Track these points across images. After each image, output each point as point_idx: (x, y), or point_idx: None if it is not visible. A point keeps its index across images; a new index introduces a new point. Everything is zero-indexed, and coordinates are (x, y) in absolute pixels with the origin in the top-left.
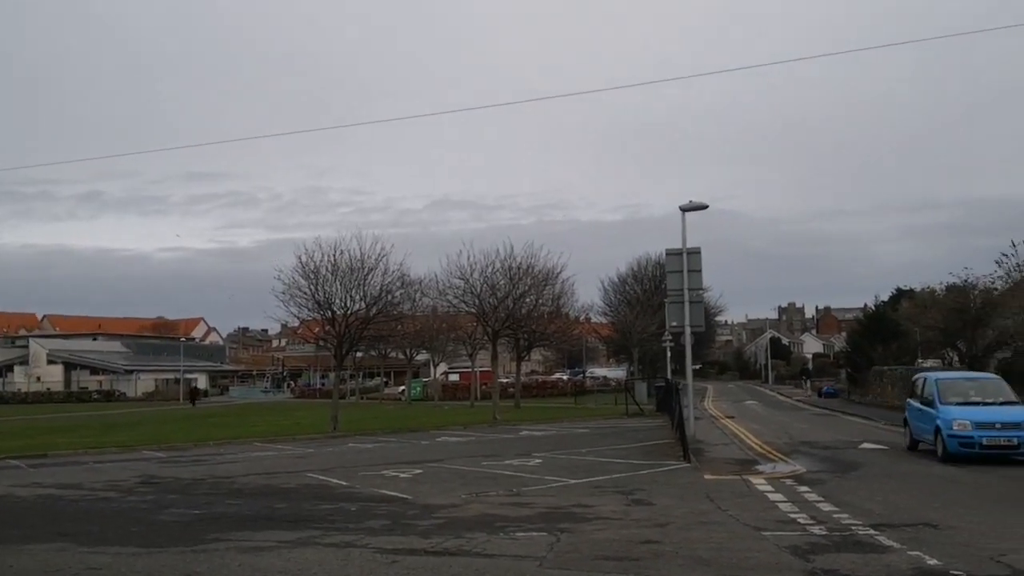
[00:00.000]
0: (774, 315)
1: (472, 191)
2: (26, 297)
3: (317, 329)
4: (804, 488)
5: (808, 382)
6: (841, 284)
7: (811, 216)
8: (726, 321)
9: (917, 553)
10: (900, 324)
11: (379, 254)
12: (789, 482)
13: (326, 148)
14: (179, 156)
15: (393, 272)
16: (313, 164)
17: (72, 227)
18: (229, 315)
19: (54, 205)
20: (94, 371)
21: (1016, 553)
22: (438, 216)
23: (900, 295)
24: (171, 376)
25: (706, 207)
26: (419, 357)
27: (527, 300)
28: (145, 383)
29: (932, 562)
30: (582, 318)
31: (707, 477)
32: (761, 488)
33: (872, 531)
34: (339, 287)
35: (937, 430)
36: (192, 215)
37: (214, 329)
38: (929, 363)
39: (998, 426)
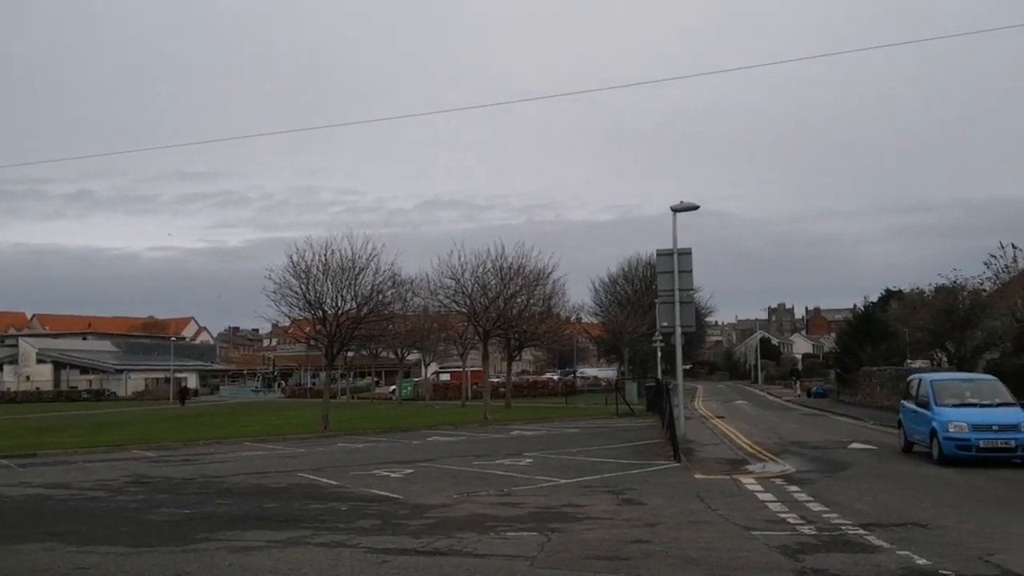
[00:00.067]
0: (764, 316)
1: (463, 191)
2: (15, 296)
3: (308, 329)
4: (794, 488)
5: (798, 382)
6: (831, 285)
7: (801, 217)
8: (716, 322)
9: (906, 553)
10: (889, 325)
11: (370, 254)
12: (779, 482)
13: (317, 148)
14: (169, 155)
15: (384, 272)
16: (304, 164)
17: (62, 226)
18: (220, 315)
19: (44, 204)
20: (84, 370)
21: (1005, 552)
22: (429, 216)
23: (889, 296)
24: (161, 376)
25: (697, 208)
26: (410, 357)
27: (518, 300)
28: (135, 383)
29: (921, 562)
30: (573, 318)
31: (697, 477)
32: (751, 488)
33: (861, 531)
34: (330, 287)
35: (933, 432)
36: (182, 214)
37: (204, 329)
38: (918, 364)
39: (995, 428)
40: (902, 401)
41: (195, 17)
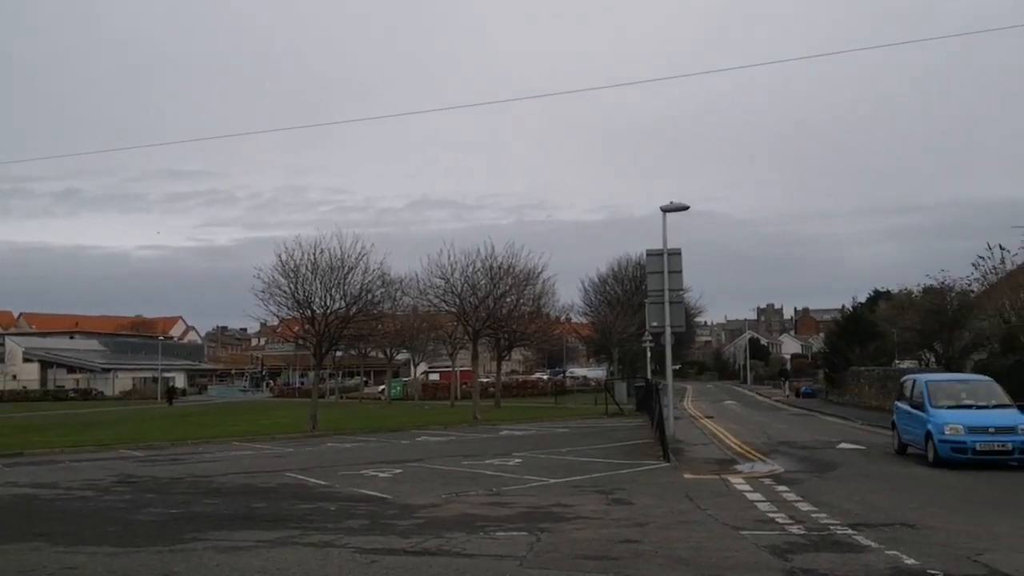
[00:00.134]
0: (753, 316)
1: (453, 190)
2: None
3: (296, 328)
4: (783, 488)
5: (786, 382)
6: (819, 285)
7: (790, 218)
8: (705, 322)
9: (895, 552)
10: (877, 325)
11: (359, 253)
12: (768, 482)
13: (306, 147)
14: (158, 154)
15: (373, 271)
16: (293, 163)
17: (49, 224)
18: (208, 314)
19: (31, 202)
20: (71, 369)
21: (992, 552)
22: (419, 215)
23: (877, 296)
24: (149, 375)
25: (687, 208)
26: (399, 356)
27: (508, 300)
28: (123, 382)
29: (910, 561)
30: (563, 318)
31: (686, 477)
32: (740, 488)
33: (850, 531)
34: (319, 286)
35: (928, 434)
36: (171, 213)
37: (193, 328)
38: (906, 364)
39: (992, 430)
40: (896, 402)
41: (184, 17)
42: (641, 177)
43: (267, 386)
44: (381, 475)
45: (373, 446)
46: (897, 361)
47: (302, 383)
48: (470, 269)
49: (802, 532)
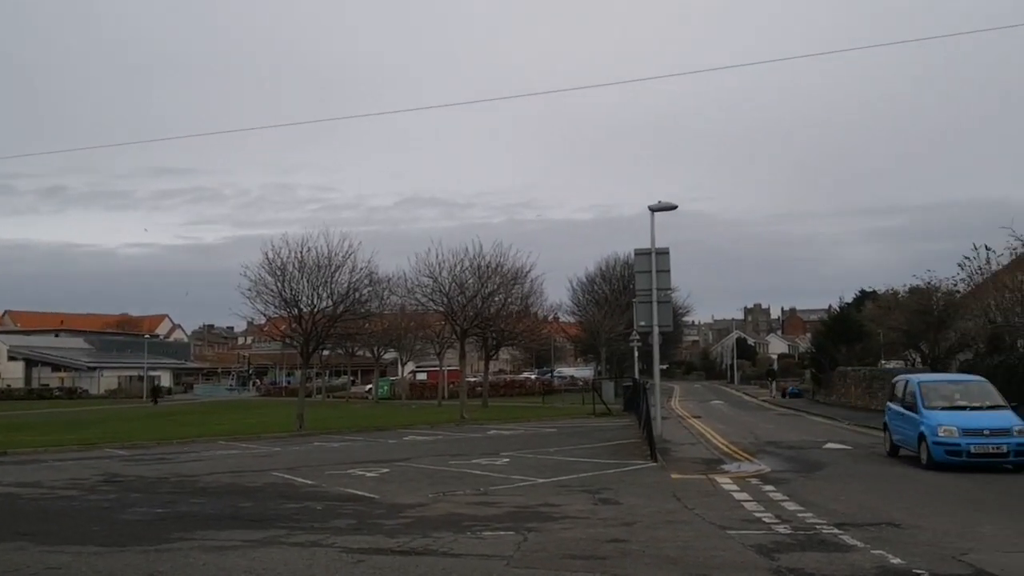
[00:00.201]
0: (740, 316)
1: (443, 189)
2: None
3: (284, 327)
4: (769, 487)
5: (773, 382)
6: (806, 286)
7: (777, 218)
8: (693, 321)
9: (880, 552)
10: (864, 325)
11: (347, 251)
12: (754, 481)
13: (295, 144)
14: (145, 151)
15: (361, 270)
16: (281, 160)
17: (35, 222)
18: (194, 312)
19: (16, 199)
20: (56, 368)
21: (977, 552)
22: (408, 214)
23: (864, 297)
24: (135, 373)
25: (675, 207)
26: (386, 356)
27: (496, 299)
28: (108, 380)
29: (895, 561)
30: (550, 317)
31: (674, 476)
32: (727, 487)
33: (836, 530)
34: (306, 284)
35: (921, 436)
36: (158, 211)
37: (179, 326)
38: (892, 364)
39: (987, 432)
40: (887, 403)
41: (173, 15)
42: (630, 177)
43: (254, 385)
44: (368, 474)
45: (360, 445)
46: (883, 361)
47: (289, 382)
48: (458, 268)
49: (788, 531)
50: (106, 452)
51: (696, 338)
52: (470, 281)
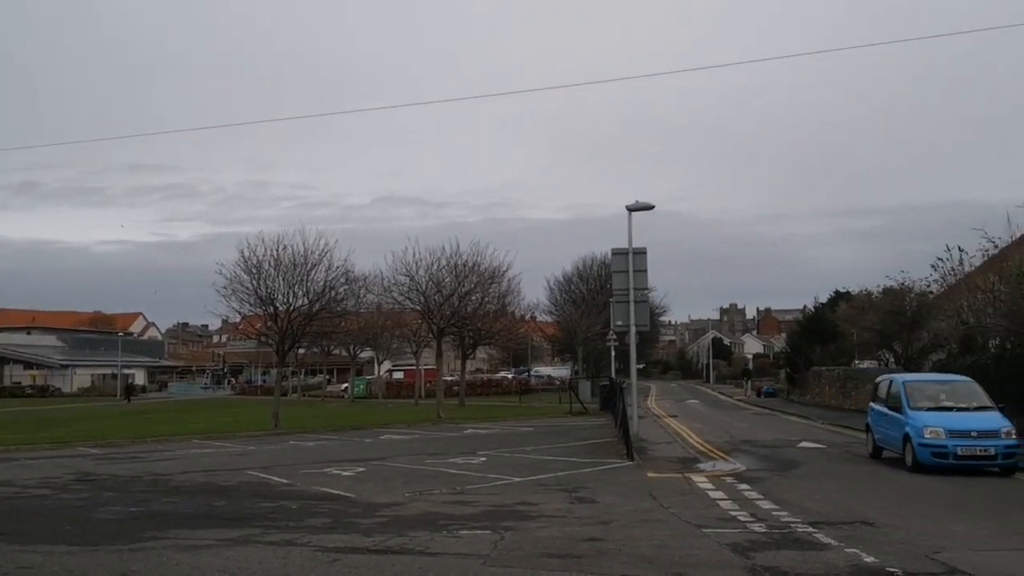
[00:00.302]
0: (716, 316)
1: (420, 187)
2: None
3: (259, 325)
4: (744, 486)
5: (749, 382)
6: (781, 286)
7: (753, 219)
8: (669, 321)
9: (854, 550)
10: (838, 326)
11: (323, 249)
12: (730, 480)
13: (270, 141)
14: (119, 147)
15: (337, 268)
16: (257, 157)
17: (5, 218)
18: (169, 310)
19: None
20: (27, 365)
21: (950, 551)
22: (385, 212)
23: (838, 297)
24: (108, 372)
25: (652, 207)
26: (363, 354)
27: (473, 298)
28: (81, 378)
29: (869, 559)
30: (528, 317)
31: (650, 475)
32: (703, 486)
33: (811, 528)
34: (282, 282)
35: (906, 438)
36: (132, 207)
37: (153, 324)
38: (866, 364)
39: (974, 434)
40: (870, 403)
41: (149, 10)
42: (608, 177)
43: (228, 384)
44: (344, 473)
45: (336, 444)
46: (857, 361)
47: (264, 381)
48: (435, 267)
49: (764, 530)
50: (79, 451)
51: (673, 338)
52: (447, 280)
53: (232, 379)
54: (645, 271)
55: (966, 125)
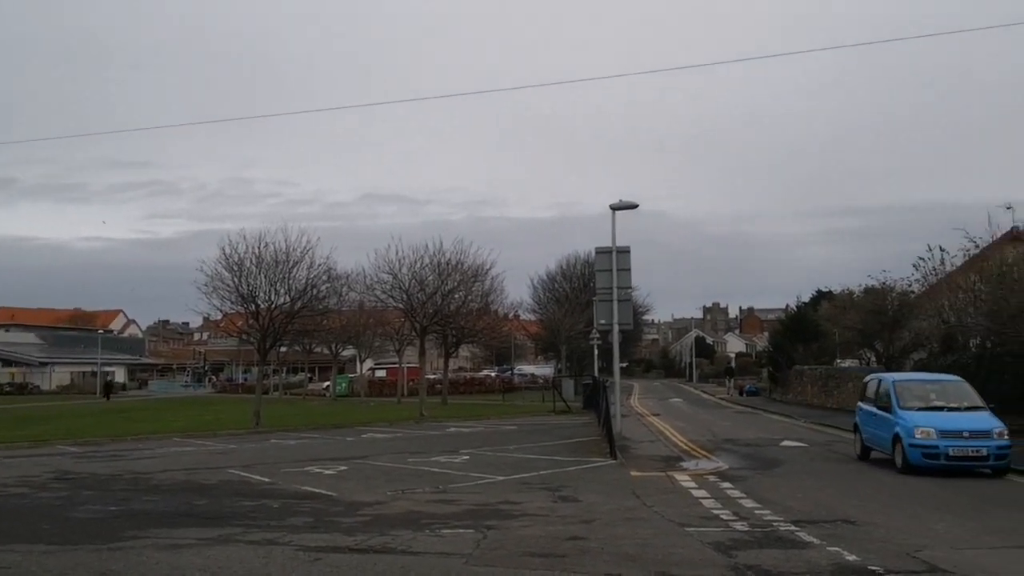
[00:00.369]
0: (699, 315)
1: (404, 185)
2: None
3: (240, 322)
4: (727, 485)
5: (731, 381)
6: (764, 285)
7: (736, 218)
8: (653, 320)
9: (836, 549)
10: (820, 325)
11: (305, 247)
12: (713, 479)
13: (253, 138)
14: (100, 143)
15: (319, 266)
16: (239, 154)
17: None
18: (149, 307)
19: None
20: (6, 363)
21: (931, 549)
22: (368, 210)
23: (820, 297)
24: (88, 369)
25: (636, 206)
26: (345, 352)
27: (456, 296)
28: (60, 376)
29: (851, 558)
30: (511, 315)
31: (633, 474)
32: (685, 485)
33: (793, 527)
34: (263, 280)
35: (896, 438)
36: (113, 204)
37: (133, 321)
38: (847, 363)
39: (966, 435)
40: (859, 403)
41: (129, 5)
42: (592, 175)
43: (209, 381)
44: (326, 472)
45: (318, 443)
46: (839, 360)
47: (245, 379)
48: (418, 265)
49: (746, 529)
50: (58, 449)
51: (656, 337)
52: (430, 278)
53: (213, 377)
54: (628, 270)
55: (947, 127)
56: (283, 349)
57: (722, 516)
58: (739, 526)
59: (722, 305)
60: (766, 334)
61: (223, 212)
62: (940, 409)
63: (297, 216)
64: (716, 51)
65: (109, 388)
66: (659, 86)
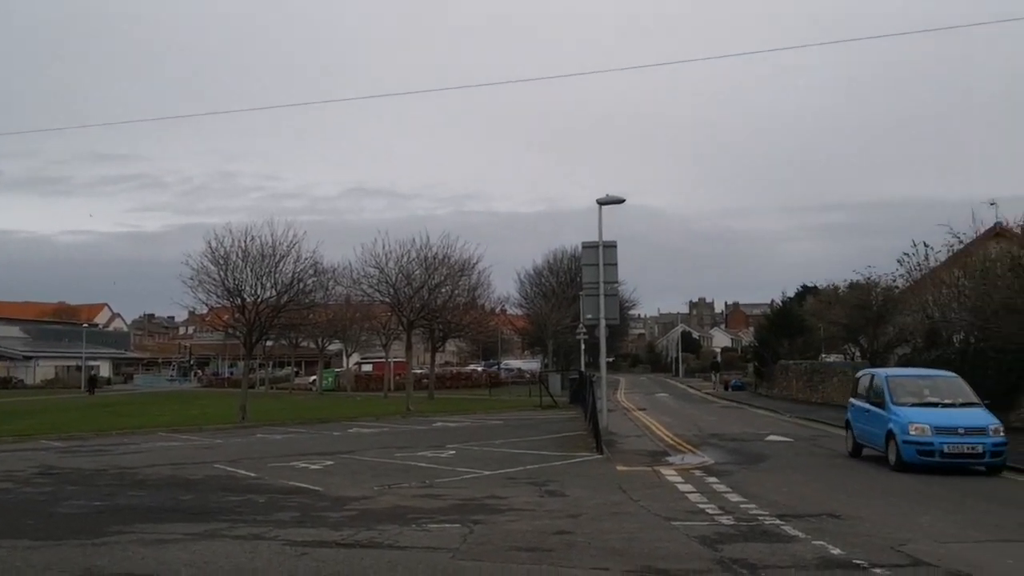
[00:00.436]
0: (685, 310)
1: (389, 179)
2: None
3: (226, 316)
4: (713, 479)
5: (717, 375)
6: (750, 280)
7: (722, 214)
8: (639, 315)
9: (821, 543)
10: (805, 320)
11: (291, 241)
12: (698, 473)
13: (238, 132)
14: (84, 136)
15: (305, 260)
16: (224, 148)
17: None
18: (135, 301)
19: None
20: None
21: (915, 543)
22: (354, 204)
23: (806, 292)
24: (73, 363)
25: (623, 201)
26: (331, 347)
27: (443, 291)
28: (45, 370)
29: (836, 551)
30: (498, 310)
31: (619, 468)
32: (671, 479)
33: (778, 521)
34: (249, 274)
35: (890, 435)
36: (97, 197)
37: (118, 315)
38: (832, 358)
39: (961, 431)
40: (850, 399)
41: None
42: (579, 170)
43: (195, 376)
44: (312, 467)
45: (304, 437)
46: (824, 355)
47: (231, 373)
48: (405, 259)
49: (732, 523)
50: (42, 444)
51: (642, 331)
52: (417, 272)
53: (199, 371)
54: (615, 265)
55: (931, 123)
56: (269, 343)
57: (708, 510)
58: (725, 520)
59: (708, 300)
60: (751, 329)
61: (208, 206)
62: (935, 405)
63: (282, 210)
64: (703, 48)
65: (93, 382)
66: (645, 82)
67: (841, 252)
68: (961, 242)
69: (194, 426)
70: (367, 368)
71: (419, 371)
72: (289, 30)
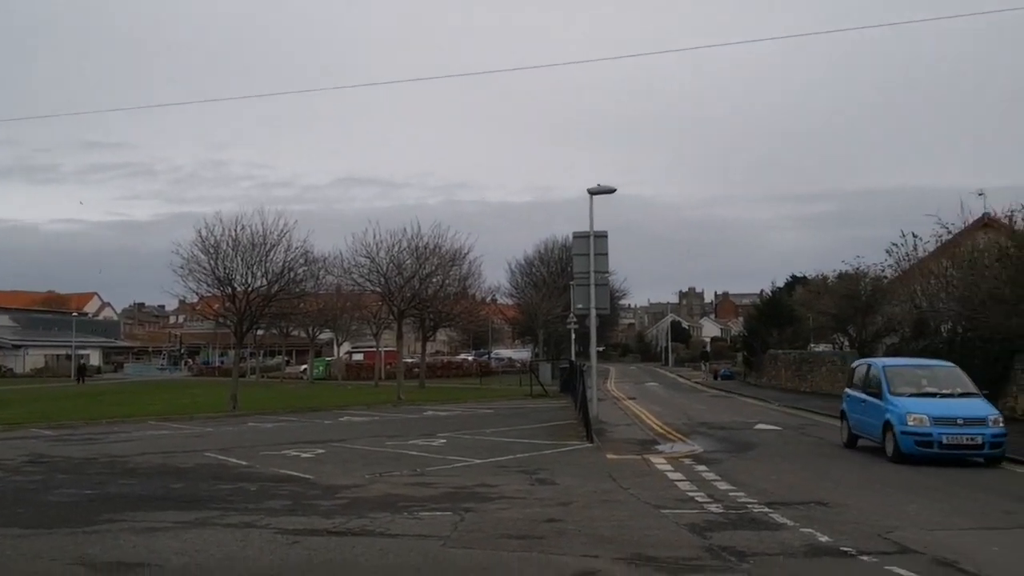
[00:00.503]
0: (675, 299)
1: (380, 168)
2: None
3: (217, 305)
4: (702, 467)
5: (706, 365)
6: (739, 270)
7: (712, 203)
8: (629, 305)
9: (809, 530)
10: (794, 310)
11: (282, 230)
12: (688, 462)
13: (228, 120)
14: (72, 124)
15: (296, 249)
16: (214, 136)
17: None
18: (125, 290)
19: None
20: None
21: (902, 530)
22: (344, 193)
23: (795, 282)
24: (62, 352)
25: (614, 191)
26: (322, 336)
27: (433, 280)
28: (34, 359)
29: (824, 539)
30: (488, 299)
31: (609, 457)
32: (661, 467)
33: (766, 509)
34: (240, 263)
35: (887, 425)
36: (86, 185)
37: (108, 304)
38: (821, 348)
39: (960, 422)
40: (846, 390)
41: None
42: (569, 159)
43: (185, 365)
44: (303, 455)
45: (295, 426)
46: (812, 345)
47: (222, 362)
48: (396, 248)
49: (720, 510)
50: (32, 432)
51: (632, 321)
52: (408, 262)
53: (189, 360)
54: (606, 254)
55: (920, 113)
56: (260, 332)
57: (697, 498)
58: (714, 508)
59: (698, 290)
60: (741, 319)
61: (198, 194)
62: (933, 395)
63: (273, 199)
64: (693, 37)
65: (83, 371)
66: (637, 71)
67: (831, 242)
68: (949, 232)
69: (185, 415)
70: (358, 357)
71: (410, 360)
72: (278, 19)
